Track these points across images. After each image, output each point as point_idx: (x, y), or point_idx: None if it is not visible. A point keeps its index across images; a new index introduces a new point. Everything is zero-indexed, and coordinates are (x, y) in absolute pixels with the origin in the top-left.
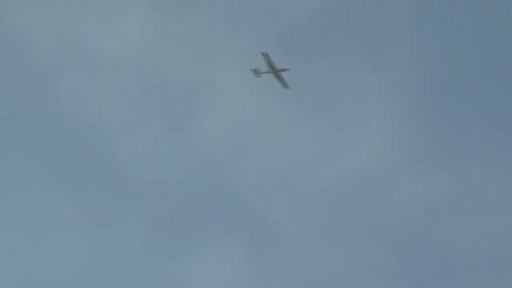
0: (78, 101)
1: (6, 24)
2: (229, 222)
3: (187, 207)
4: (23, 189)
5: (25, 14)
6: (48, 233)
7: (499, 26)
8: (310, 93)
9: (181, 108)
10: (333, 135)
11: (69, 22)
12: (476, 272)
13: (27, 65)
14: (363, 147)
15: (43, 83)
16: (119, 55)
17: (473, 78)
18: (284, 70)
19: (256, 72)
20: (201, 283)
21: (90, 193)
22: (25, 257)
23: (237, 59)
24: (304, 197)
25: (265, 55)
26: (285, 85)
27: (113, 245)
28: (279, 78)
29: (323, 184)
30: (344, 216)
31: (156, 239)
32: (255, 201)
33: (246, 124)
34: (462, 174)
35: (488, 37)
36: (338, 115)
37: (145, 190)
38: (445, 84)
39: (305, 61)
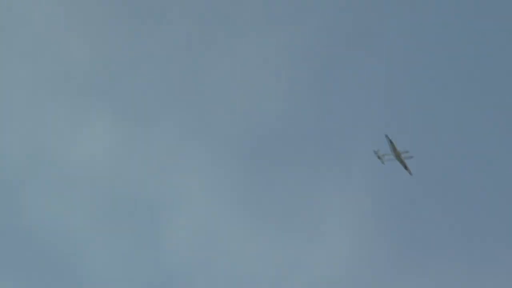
0: (40, 215)
1: None
2: None
3: None
4: None
5: None
6: None
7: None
8: (274, 203)
9: (147, 223)
10: (300, 247)
11: (32, 133)
12: None
13: None
14: (330, 258)
15: (5, 196)
16: (83, 167)
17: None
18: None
19: (380, 155)
20: None
21: None
22: None
23: (204, 168)
24: None
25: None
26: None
27: None
28: (403, 163)
29: None
30: None
31: None
32: None
33: (212, 239)
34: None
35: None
36: (305, 226)
37: None
38: (413, 195)
39: (270, 170)
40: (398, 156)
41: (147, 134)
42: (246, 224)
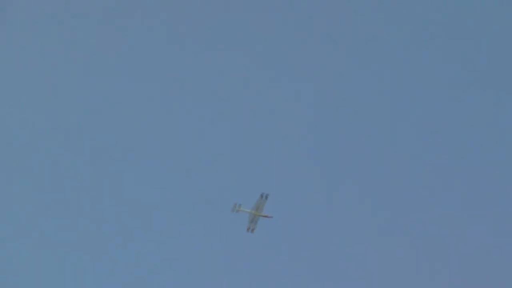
0: None
1: None
2: None
3: None
4: None
5: None
6: None
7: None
8: None
9: None
10: None
11: None
12: None
13: None
14: None
15: None
16: None
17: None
18: (267, 216)
19: (237, 207)
20: None
21: None
22: None
23: None
24: None
25: (264, 196)
26: (250, 229)
27: None
28: (254, 221)
29: None
30: None
31: None
32: None
33: None
34: None
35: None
36: None
37: None
38: None
39: None
40: (256, 213)
41: None
42: None
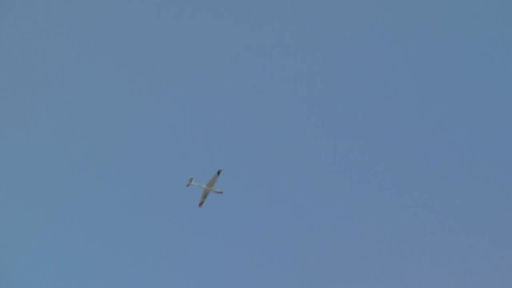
0: None
1: None
2: None
3: None
4: None
5: None
6: None
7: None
8: None
9: None
10: None
11: None
12: None
13: None
14: None
15: None
16: None
17: None
18: (219, 192)
19: (190, 181)
20: None
21: None
22: None
23: None
24: None
25: (219, 173)
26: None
27: None
28: (206, 196)
29: None
30: None
31: None
32: None
33: None
34: None
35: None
36: None
37: None
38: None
39: None
40: (209, 188)
41: None
42: None
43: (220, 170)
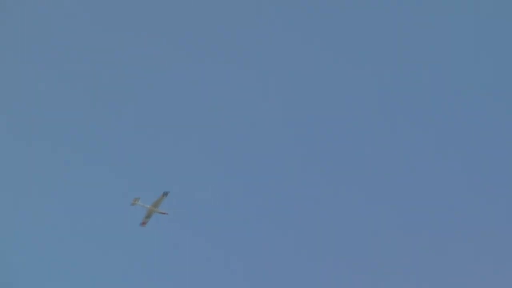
0: None
1: None
2: None
3: None
4: None
5: None
6: None
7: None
8: None
9: None
10: None
11: None
12: None
13: None
14: None
15: None
16: None
17: None
18: (163, 213)
19: (135, 200)
20: None
21: None
22: None
23: None
24: None
25: (165, 194)
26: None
27: None
28: (150, 216)
29: None
30: None
31: None
32: None
33: None
34: None
35: None
36: None
37: None
38: None
39: None
40: (153, 209)
41: None
42: None
43: (167, 191)
